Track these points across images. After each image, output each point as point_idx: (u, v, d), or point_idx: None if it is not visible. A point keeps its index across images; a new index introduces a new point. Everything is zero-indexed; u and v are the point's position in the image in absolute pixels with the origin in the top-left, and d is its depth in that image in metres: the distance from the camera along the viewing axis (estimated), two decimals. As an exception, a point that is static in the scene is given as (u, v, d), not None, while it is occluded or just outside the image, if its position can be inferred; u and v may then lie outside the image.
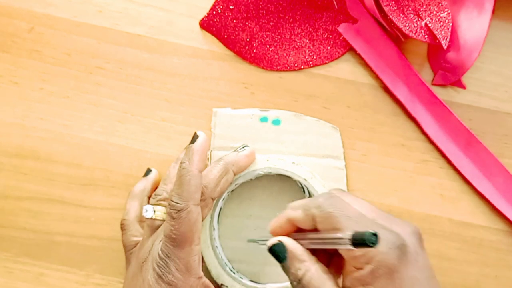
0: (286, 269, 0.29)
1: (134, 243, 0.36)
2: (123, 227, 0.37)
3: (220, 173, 0.34)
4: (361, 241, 0.25)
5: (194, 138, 0.33)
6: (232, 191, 0.38)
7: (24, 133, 0.41)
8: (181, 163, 0.32)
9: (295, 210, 0.30)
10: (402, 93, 0.40)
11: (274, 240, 0.30)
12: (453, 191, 0.40)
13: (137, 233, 0.36)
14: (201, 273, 0.32)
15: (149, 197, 0.38)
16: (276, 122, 0.40)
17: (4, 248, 0.39)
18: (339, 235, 0.26)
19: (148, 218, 0.34)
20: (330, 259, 0.31)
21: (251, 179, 0.38)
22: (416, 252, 0.27)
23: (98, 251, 0.39)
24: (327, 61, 0.41)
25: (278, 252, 0.29)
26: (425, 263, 0.28)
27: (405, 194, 0.40)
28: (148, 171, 0.39)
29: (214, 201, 0.35)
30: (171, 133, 0.41)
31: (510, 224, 0.39)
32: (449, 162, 0.40)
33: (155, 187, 0.39)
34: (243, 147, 0.37)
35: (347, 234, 0.25)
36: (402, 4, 0.40)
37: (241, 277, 0.36)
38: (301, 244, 0.29)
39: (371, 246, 0.24)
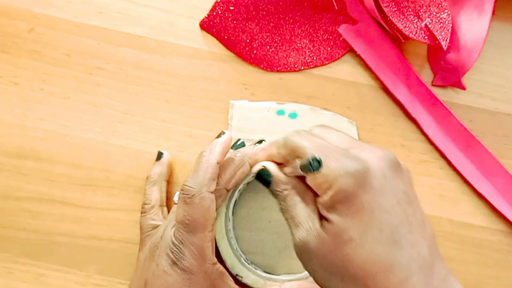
0: (273, 193, 0.30)
1: (151, 226, 0.36)
2: (143, 211, 0.37)
3: (236, 165, 0.34)
4: (306, 166, 0.27)
5: (220, 135, 0.35)
6: (248, 183, 0.38)
7: (24, 134, 0.41)
8: (201, 152, 0.33)
9: (271, 147, 0.32)
10: (402, 94, 0.40)
11: (259, 166, 0.31)
12: (453, 192, 0.40)
13: (155, 217, 0.36)
14: (215, 259, 0.32)
15: (167, 181, 0.39)
16: (293, 115, 0.40)
17: (4, 248, 0.39)
18: (295, 163, 0.28)
19: None
20: None
21: None
22: (383, 177, 0.26)
23: (98, 252, 0.39)
24: (327, 62, 0.41)
25: (264, 176, 0.31)
26: (394, 187, 0.27)
27: (405, 194, 0.39)
28: (160, 154, 0.39)
29: (230, 193, 0.36)
30: (171, 133, 0.41)
31: (510, 224, 0.39)
32: (449, 162, 0.40)
33: (170, 170, 0.39)
34: (260, 141, 0.37)
35: (297, 162, 0.28)
36: (402, 5, 0.40)
37: (255, 268, 0.37)
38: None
39: (314, 171, 0.26)
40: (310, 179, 0.28)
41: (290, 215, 0.29)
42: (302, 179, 0.29)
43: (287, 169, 0.30)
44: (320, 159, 0.27)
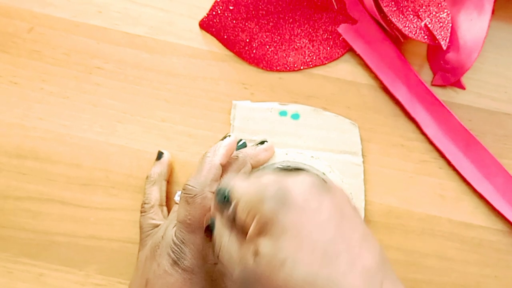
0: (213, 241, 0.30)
1: (151, 226, 0.36)
2: (142, 210, 0.37)
3: (237, 166, 0.35)
4: (219, 200, 0.28)
5: (225, 137, 0.35)
6: None
7: (23, 133, 0.41)
8: (205, 153, 0.33)
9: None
10: (401, 94, 0.40)
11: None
12: (452, 192, 0.40)
13: (155, 216, 0.36)
14: (216, 259, 0.32)
15: (166, 180, 0.39)
16: (295, 116, 0.40)
17: (4, 248, 0.39)
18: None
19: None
20: None
21: None
22: (305, 196, 0.26)
23: (98, 251, 0.39)
24: (326, 62, 0.41)
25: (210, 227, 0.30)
26: (321, 205, 0.26)
27: (405, 194, 0.40)
28: (160, 154, 0.39)
29: None
30: (170, 133, 0.41)
31: (510, 224, 0.39)
32: (448, 162, 0.40)
33: (170, 170, 0.39)
34: (262, 142, 0.37)
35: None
36: (401, 4, 0.40)
37: None
38: None
39: (224, 203, 0.27)
40: (237, 219, 0.27)
41: (225, 262, 0.28)
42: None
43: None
44: (227, 191, 0.27)
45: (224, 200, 0.27)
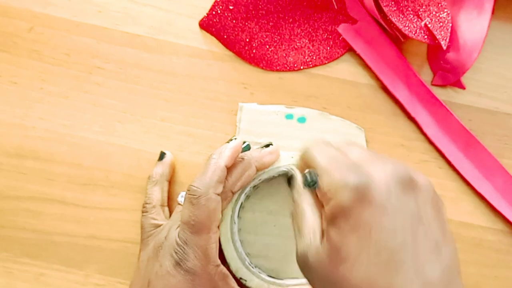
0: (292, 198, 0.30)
1: (153, 226, 0.36)
2: (144, 210, 0.37)
3: (242, 168, 0.35)
4: (305, 180, 0.27)
5: (231, 140, 0.35)
6: (255, 186, 0.38)
7: (23, 133, 0.41)
8: (210, 154, 0.33)
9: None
10: (401, 94, 0.40)
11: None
12: (452, 192, 0.40)
13: (157, 216, 0.37)
14: (219, 261, 0.33)
15: (168, 181, 0.39)
16: (302, 120, 0.40)
17: (4, 248, 0.39)
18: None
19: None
20: None
21: (274, 176, 0.38)
22: (387, 195, 0.24)
23: (98, 251, 0.39)
24: (326, 62, 0.41)
25: (311, 177, 0.28)
26: (401, 206, 0.24)
27: (405, 194, 0.39)
28: (162, 154, 0.39)
29: (236, 195, 0.36)
30: (170, 133, 0.41)
31: (510, 224, 0.39)
32: (448, 162, 0.40)
33: (172, 170, 0.39)
34: (267, 145, 0.37)
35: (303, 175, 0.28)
36: (401, 4, 0.40)
37: (259, 272, 0.36)
38: None
39: (311, 187, 0.26)
40: (317, 191, 0.27)
41: (297, 224, 0.28)
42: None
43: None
44: (316, 175, 0.26)
45: (311, 181, 0.26)
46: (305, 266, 0.26)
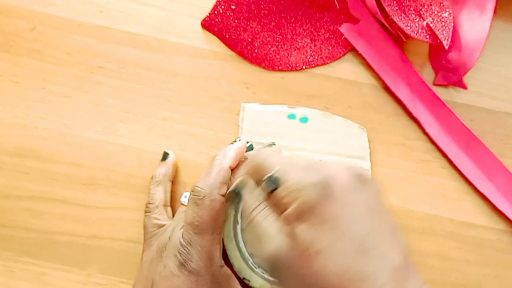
0: (244, 207, 0.31)
1: (156, 226, 0.36)
2: (147, 210, 0.37)
3: (245, 168, 0.35)
4: (267, 183, 0.28)
5: (235, 141, 0.35)
6: None
7: (25, 133, 0.40)
8: (215, 155, 0.33)
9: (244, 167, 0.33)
10: (403, 93, 0.40)
11: (234, 185, 0.32)
12: (454, 191, 0.40)
13: (160, 216, 0.36)
14: (223, 262, 0.33)
15: (171, 181, 0.39)
16: (304, 120, 0.40)
17: (5, 247, 0.39)
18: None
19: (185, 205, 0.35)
20: None
21: None
22: (347, 188, 0.27)
23: (99, 251, 0.39)
24: (328, 61, 0.41)
25: (237, 190, 0.31)
26: (360, 198, 0.27)
27: (406, 193, 0.40)
28: (165, 155, 0.39)
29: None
30: (172, 132, 0.40)
31: (511, 224, 0.39)
32: (450, 162, 0.40)
33: (175, 170, 0.39)
34: (270, 145, 0.37)
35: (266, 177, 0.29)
36: (403, 4, 0.40)
37: (263, 272, 0.36)
38: None
39: (273, 188, 0.27)
40: (276, 194, 0.28)
41: (260, 229, 0.28)
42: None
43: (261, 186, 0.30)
44: (278, 176, 0.27)
45: (273, 183, 0.28)
46: (277, 267, 0.27)
